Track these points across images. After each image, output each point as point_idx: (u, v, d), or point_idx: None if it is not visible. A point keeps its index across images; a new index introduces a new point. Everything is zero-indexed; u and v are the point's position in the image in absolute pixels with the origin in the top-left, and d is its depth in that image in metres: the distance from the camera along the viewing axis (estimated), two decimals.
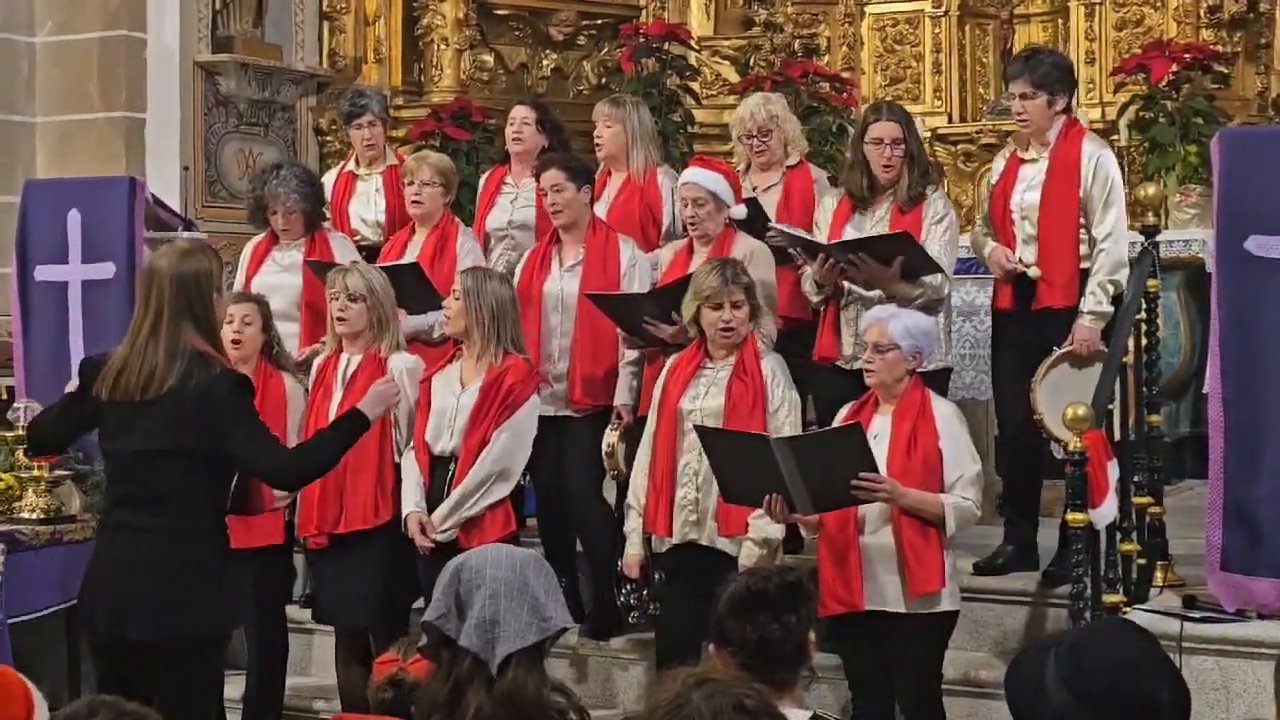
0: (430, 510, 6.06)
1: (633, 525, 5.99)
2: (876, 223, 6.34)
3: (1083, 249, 6.25)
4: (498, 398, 6.05)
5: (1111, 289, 6.17)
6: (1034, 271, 6.27)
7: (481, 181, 7.69)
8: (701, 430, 5.60)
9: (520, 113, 7.42)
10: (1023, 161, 6.43)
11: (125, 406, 4.73)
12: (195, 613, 4.72)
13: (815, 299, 6.37)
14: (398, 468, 6.21)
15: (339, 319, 6.25)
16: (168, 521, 4.71)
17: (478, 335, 6.09)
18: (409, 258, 7.04)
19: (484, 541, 5.72)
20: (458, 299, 6.11)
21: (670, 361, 6.03)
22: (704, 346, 5.89)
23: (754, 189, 6.81)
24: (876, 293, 6.16)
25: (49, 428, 5.19)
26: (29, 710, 3.01)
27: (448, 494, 6.06)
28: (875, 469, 5.28)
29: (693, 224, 6.42)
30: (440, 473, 6.12)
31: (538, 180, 6.81)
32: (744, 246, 6.33)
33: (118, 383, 4.74)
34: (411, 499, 6.10)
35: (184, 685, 4.71)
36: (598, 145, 7.14)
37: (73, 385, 5.13)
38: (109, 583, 4.77)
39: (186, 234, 7.91)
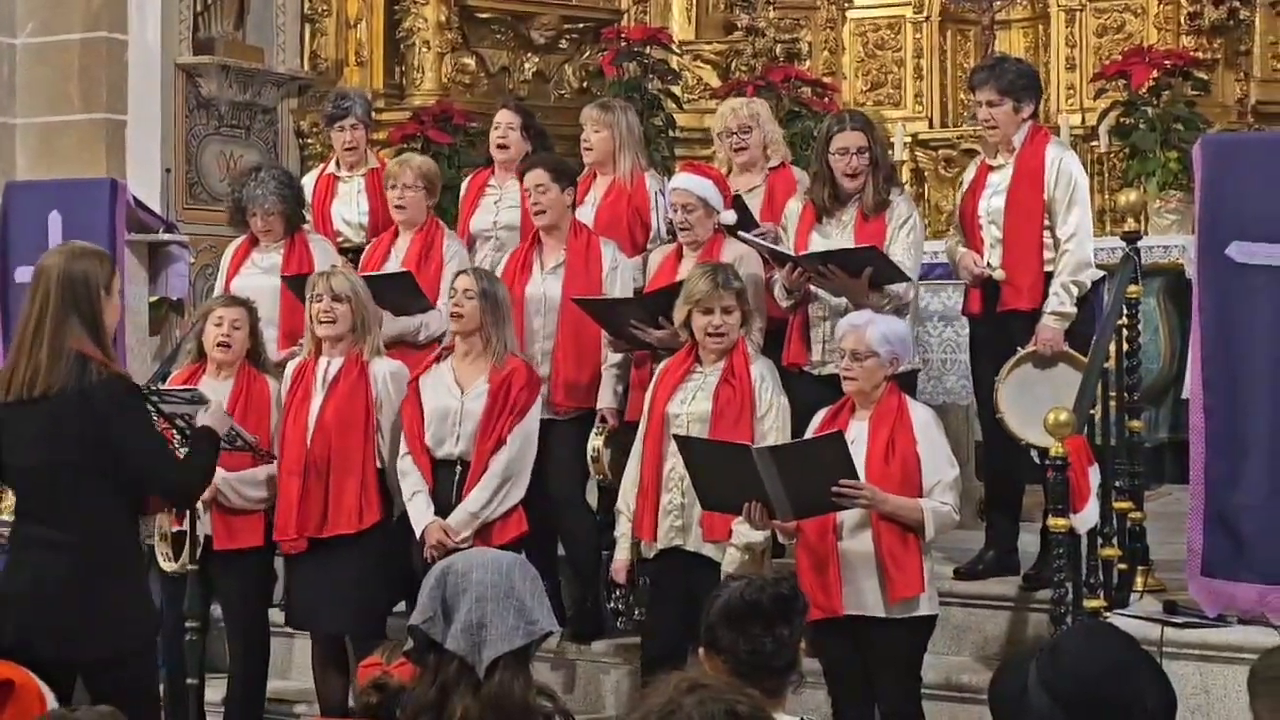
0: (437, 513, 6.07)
1: (621, 530, 6.00)
2: (842, 229, 6.36)
3: (1047, 253, 6.29)
4: (507, 401, 6.07)
5: (1075, 289, 6.21)
6: (999, 274, 6.31)
7: (464, 185, 7.68)
8: (681, 440, 5.61)
9: (505, 118, 7.41)
10: (991, 169, 6.47)
11: (19, 408, 4.71)
12: (102, 629, 4.70)
13: (785, 304, 6.39)
14: (379, 472, 6.20)
15: (324, 320, 6.23)
16: (75, 536, 4.69)
17: (490, 335, 6.12)
18: (393, 261, 7.04)
19: (500, 543, 5.78)
20: (472, 299, 6.11)
21: (661, 366, 6.05)
22: (695, 351, 5.90)
23: (736, 191, 6.81)
24: (842, 300, 6.19)
25: None
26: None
27: (457, 498, 6.07)
28: (856, 476, 5.29)
29: (683, 229, 6.43)
30: (445, 477, 6.13)
31: (521, 180, 6.82)
32: (734, 250, 6.34)
33: (10, 383, 4.73)
34: (423, 508, 6.10)
35: (109, 700, 4.66)
36: (586, 150, 7.13)
37: None
38: (17, 600, 4.74)
39: (167, 235, 7.92)
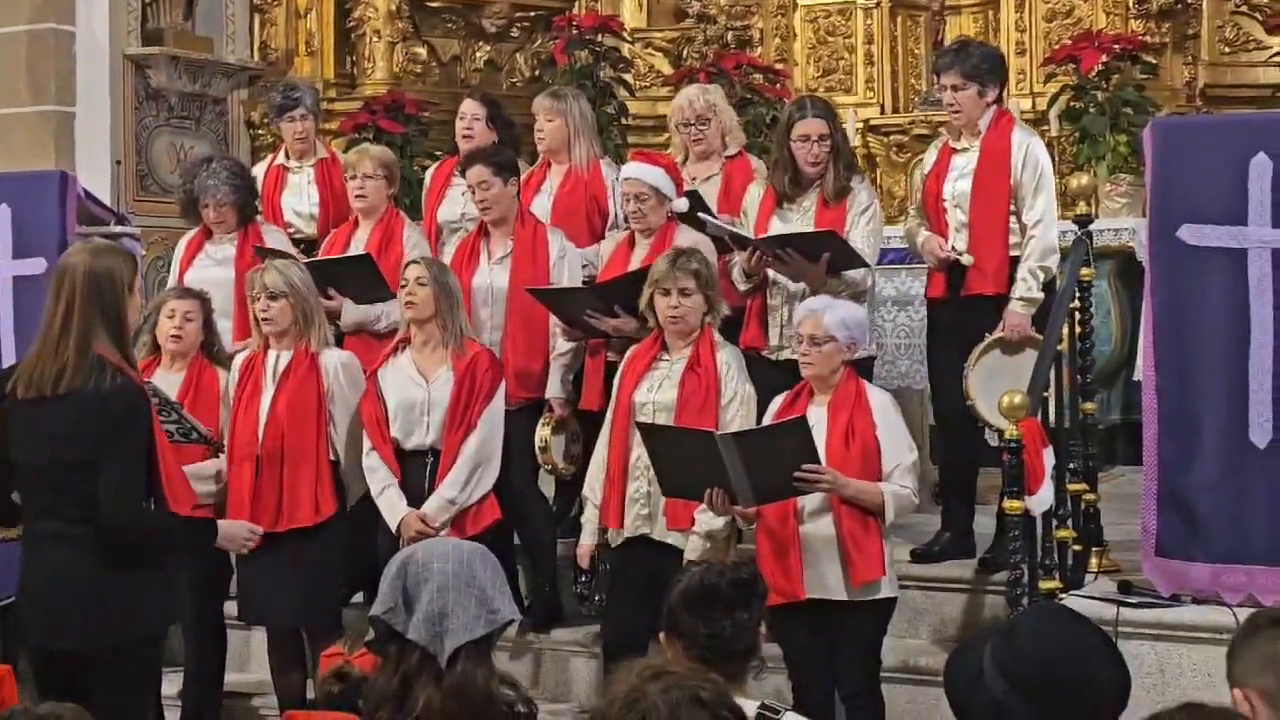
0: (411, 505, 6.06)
1: (587, 516, 6.01)
2: (802, 215, 6.38)
3: (1013, 237, 6.31)
4: (474, 386, 6.06)
5: (1042, 275, 6.24)
6: (967, 259, 6.32)
7: (429, 175, 7.65)
8: (643, 427, 5.62)
9: (471, 108, 7.40)
10: (954, 151, 6.48)
11: (34, 405, 4.67)
12: (121, 621, 4.69)
13: (743, 288, 6.40)
14: (333, 465, 6.18)
15: (263, 318, 6.20)
16: (89, 531, 4.66)
17: (445, 321, 6.09)
18: (354, 251, 7.02)
19: (475, 531, 5.76)
20: (424, 285, 6.09)
21: (629, 354, 6.04)
22: (661, 338, 5.91)
23: (693, 179, 6.83)
24: (800, 285, 6.20)
25: None
26: None
27: (430, 488, 6.05)
28: (818, 461, 5.31)
29: (635, 218, 6.44)
30: (415, 468, 6.11)
31: (462, 176, 6.81)
32: (686, 239, 6.34)
33: (31, 378, 4.69)
34: (395, 500, 6.07)
35: (118, 690, 4.67)
36: (539, 139, 7.13)
37: None
38: (38, 595, 4.74)
39: (118, 228, 7.85)
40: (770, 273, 6.31)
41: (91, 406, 4.62)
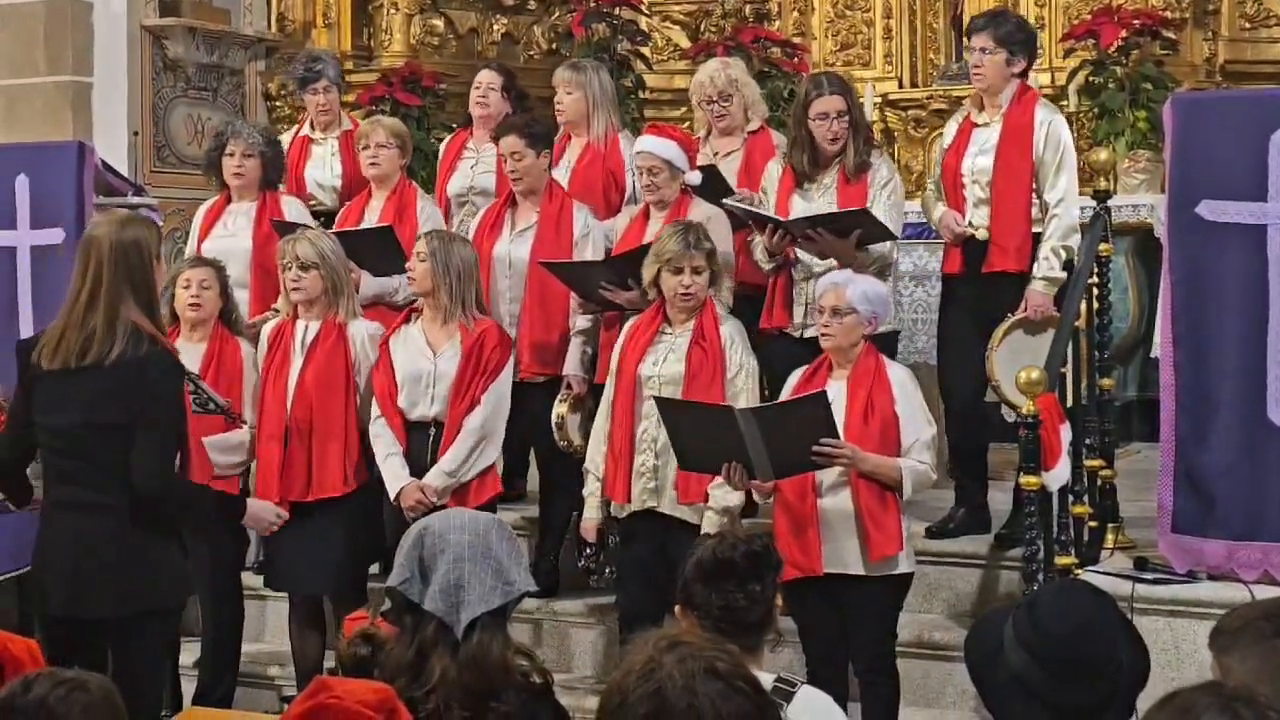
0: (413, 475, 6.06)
1: (590, 489, 6.01)
2: (823, 193, 6.36)
3: (1033, 213, 6.28)
4: (480, 362, 6.06)
5: (1064, 254, 6.22)
6: (981, 233, 6.31)
7: (442, 146, 7.66)
8: (661, 401, 5.61)
9: (486, 78, 7.43)
10: (975, 126, 6.46)
11: (62, 375, 4.69)
12: (150, 587, 4.73)
13: (767, 267, 6.38)
14: (362, 435, 6.19)
15: (293, 288, 6.22)
16: (114, 497, 4.68)
17: (444, 297, 6.08)
18: (367, 222, 7.02)
19: (476, 504, 5.78)
20: (423, 261, 6.10)
21: (628, 326, 6.04)
22: (663, 310, 5.90)
23: (715, 154, 6.81)
24: (826, 263, 6.18)
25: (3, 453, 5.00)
26: None
27: (432, 460, 6.06)
28: (837, 435, 5.31)
29: (649, 191, 6.42)
30: (419, 438, 6.11)
31: (496, 144, 6.80)
32: (701, 212, 6.33)
33: (57, 349, 4.70)
34: (398, 469, 6.07)
35: (137, 659, 4.70)
36: (559, 111, 7.13)
37: (3, 392, 5.03)
38: (60, 563, 4.75)
39: (136, 199, 7.86)
40: (795, 251, 6.29)
41: (128, 373, 4.65)
